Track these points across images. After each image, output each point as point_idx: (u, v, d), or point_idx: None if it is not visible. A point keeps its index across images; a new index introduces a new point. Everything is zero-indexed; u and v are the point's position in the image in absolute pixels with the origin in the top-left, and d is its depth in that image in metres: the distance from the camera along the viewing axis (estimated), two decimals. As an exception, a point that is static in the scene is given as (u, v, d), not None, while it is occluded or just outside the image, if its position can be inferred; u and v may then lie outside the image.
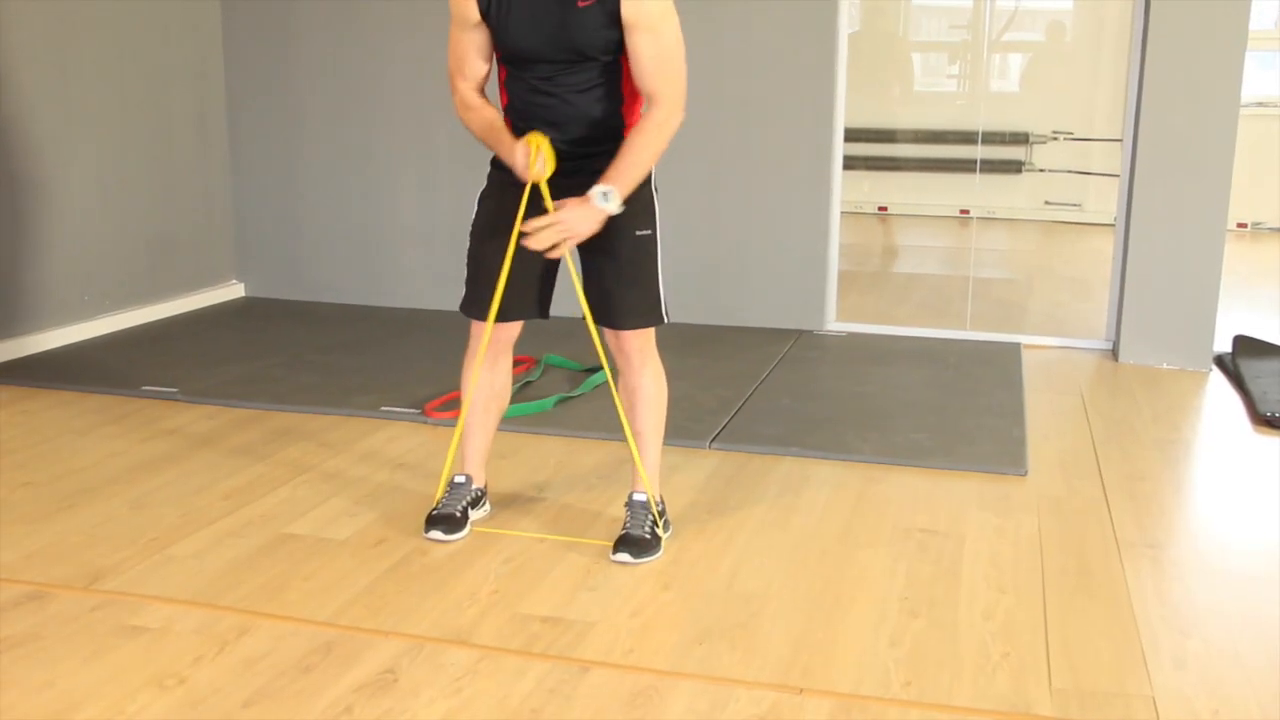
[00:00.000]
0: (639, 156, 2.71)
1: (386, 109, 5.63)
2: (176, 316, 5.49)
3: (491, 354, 2.96)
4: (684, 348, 4.90)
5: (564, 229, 2.66)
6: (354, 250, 5.81)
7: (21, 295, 4.74)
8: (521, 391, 4.20)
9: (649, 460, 2.95)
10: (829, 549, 2.94)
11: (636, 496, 2.95)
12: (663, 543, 2.91)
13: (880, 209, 8.82)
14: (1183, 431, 4.03)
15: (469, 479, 3.06)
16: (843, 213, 5.36)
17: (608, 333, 2.90)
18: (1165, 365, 4.79)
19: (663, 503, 3.02)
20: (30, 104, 4.73)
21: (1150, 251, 4.77)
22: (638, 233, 2.83)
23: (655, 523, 2.93)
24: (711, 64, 5.16)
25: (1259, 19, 8.15)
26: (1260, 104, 8.20)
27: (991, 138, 8.29)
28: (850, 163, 5.44)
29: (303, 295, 5.87)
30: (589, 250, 2.83)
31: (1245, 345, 4.90)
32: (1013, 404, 4.19)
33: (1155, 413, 4.18)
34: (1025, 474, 3.50)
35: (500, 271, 2.83)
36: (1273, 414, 4.05)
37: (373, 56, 5.60)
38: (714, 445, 3.71)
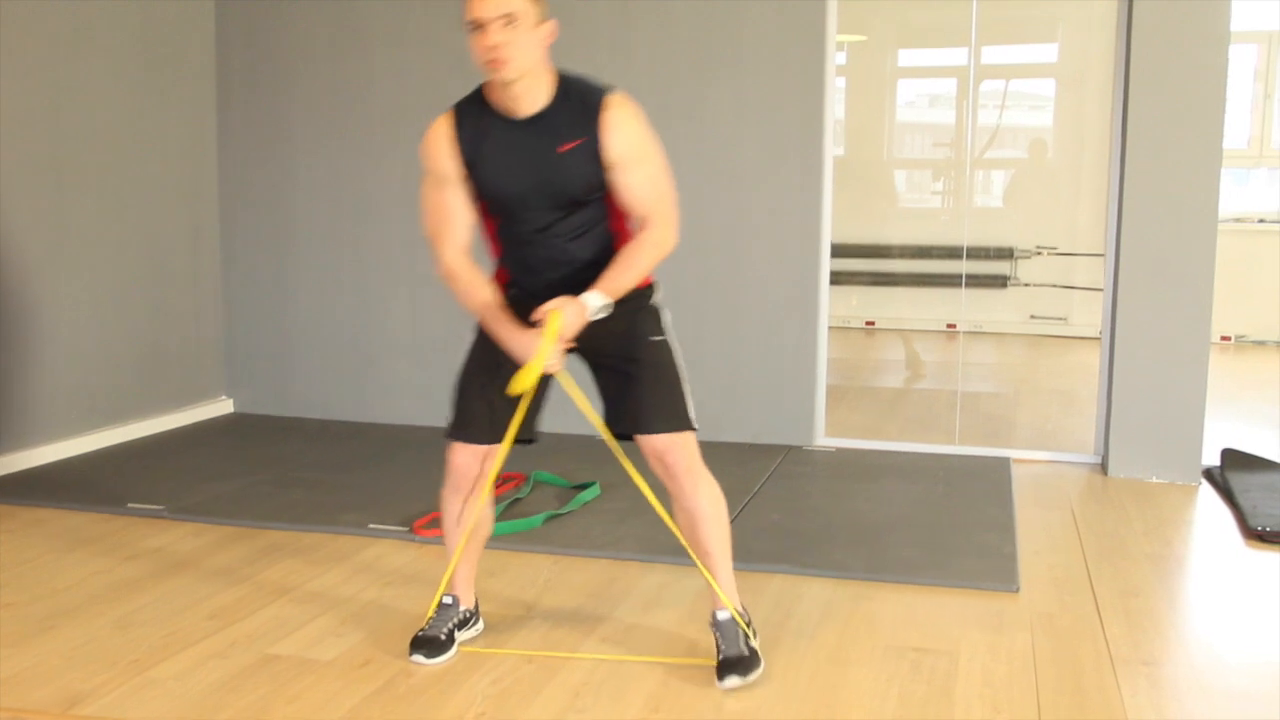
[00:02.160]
0: (632, 270, 2.72)
1: (378, 227, 5.70)
2: (165, 432, 5.48)
3: (474, 481, 2.91)
4: (673, 463, 4.89)
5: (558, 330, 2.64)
6: (344, 367, 5.82)
7: (9, 411, 4.73)
8: (510, 508, 4.18)
9: (723, 578, 2.87)
10: (820, 669, 2.90)
11: (720, 615, 2.85)
12: (759, 654, 2.84)
13: (868, 323, 8.89)
14: (1174, 546, 4.01)
15: (456, 600, 3.03)
16: (831, 327, 5.40)
17: (649, 455, 2.82)
18: (1155, 479, 4.79)
19: (746, 612, 2.94)
20: (24, 218, 4.78)
21: (1136, 365, 4.81)
22: (650, 339, 2.82)
23: (748, 636, 2.84)
24: (700, 182, 5.25)
25: (1234, 138, 8.35)
26: (1238, 219, 8.34)
27: (976, 253, 8.40)
28: (838, 278, 5.50)
29: (292, 412, 5.87)
30: (605, 369, 2.84)
31: (1233, 459, 4.91)
32: (1003, 519, 4.18)
33: (1146, 527, 4.17)
34: (1017, 590, 3.47)
35: (491, 397, 2.80)
36: (1264, 528, 4.04)
37: (365, 174, 5.68)
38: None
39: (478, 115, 2.74)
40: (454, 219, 2.78)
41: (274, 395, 5.92)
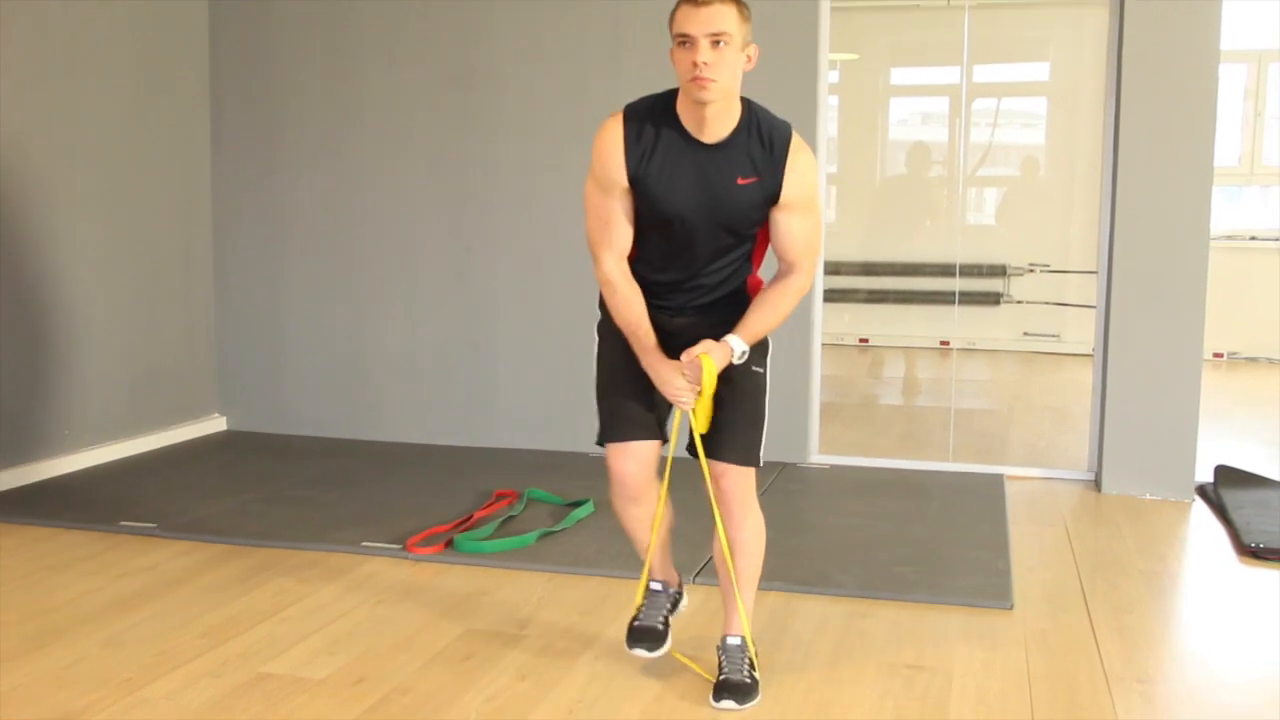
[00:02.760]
0: (771, 316, 2.71)
1: (371, 244, 5.70)
2: (158, 450, 5.46)
3: (645, 490, 2.84)
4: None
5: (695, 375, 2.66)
6: (337, 385, 5.82)
7: (2, 428, 4.72)
8: (504, 526, 4.18)
9: (745, 603, 2.87)
10: (814, 686, 2.90)
11: (731, 640, 2.85)
12: (759, 685, 2.83)
13: (861, 340, 8.89)
14: (1168, 563, 4.01)
15: (665, 585, 3.00)
16: (824, 344, 5.40)
17: (712, 477, 2.80)
18: (1148, 495, 4.80)
19: (755, 643, 2.93)
20: (16, 236, 4.78)
21: (1129, 382, 4.82)
22: (754, 368, 2.79)
23: (753, 666, 2.84)
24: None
25: (1225, 155, 8.39)
26: (1229, 236, 8.37)
27: (969, 270, 8.42)
28: (831, 295, 5.51)
29: (285, 429, 5.86)
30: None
31: (1227, 475, 4.92)
32: (997, 536, 4.18)
33: (1140, 544, 4.17)
34: (1011, 607, 3.47)
35: (640, 398, 2.77)
36: (1258, 545, 4.04)
37: (358, 193, 5.68)
38: (698, 580, 3.68)
39: (658, 126, 2.64)
40: (617, 225, 2.70)
41: (267, 413, 5.91)
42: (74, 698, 2.80)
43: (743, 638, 2.85)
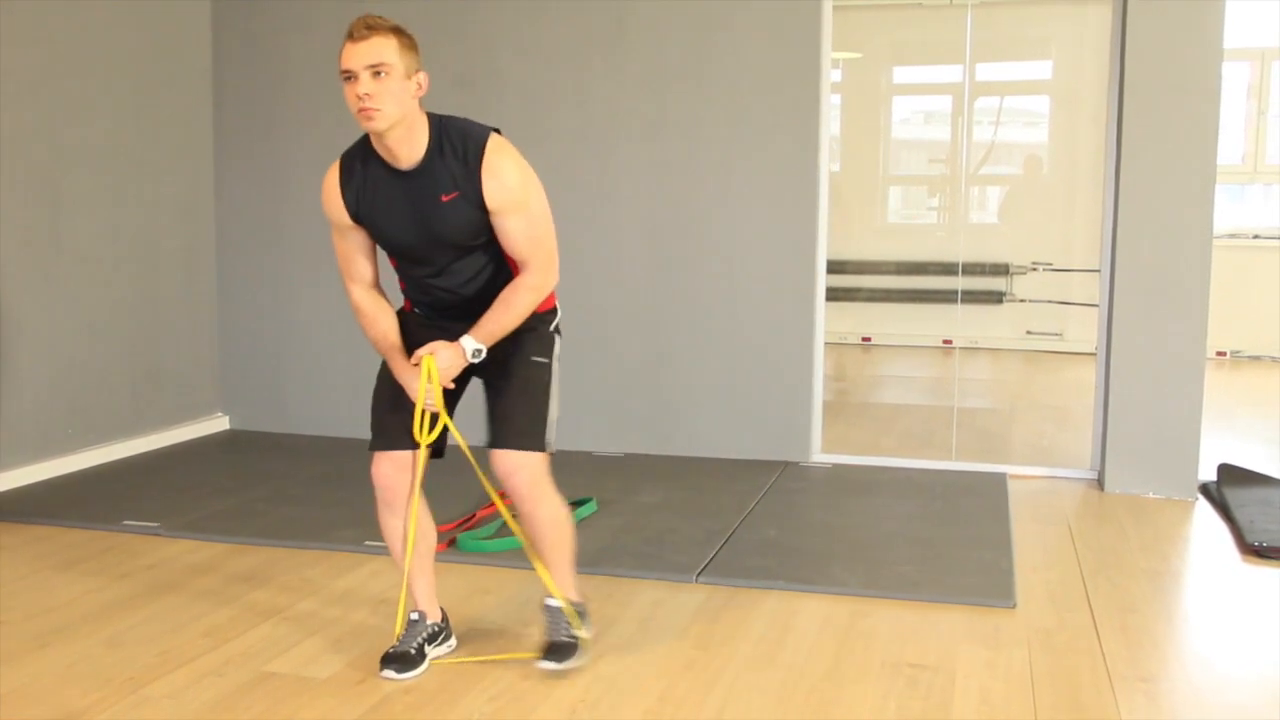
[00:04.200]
0: (506, 314, 2.82)
1: (374, 243, 5.69)
2: (160, 450, 5.47)
3: (402, 495, 2.94)
4: (669, 480, 4.89)
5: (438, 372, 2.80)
6: (339, 384, 5.81)
7: (4, 428, 4.72)
8: (504, 526, 4.17)
9: (558, 575, 3.01)
10: (817, 685, 2.90)
11: (550, 602, 2.99)
12: (581, 643, 2.97)
13: (864, 339, 8.89)
14: (1171, 562, 4.01)
15: (422, 615, 3.04)
16: (826, 343, 5.40)
17: (496, 471, 2.90)
18: (1151, 494, 4.79)
19: (583, 606, 3.07)
20: (19, 236, 4.78)
21: (1132, 380, 4.81)
22: (533, 358, 2.92)
23: (571, 625, 2.96)
24: (696, 199, 5.27)
25: (1228, 154, 8.38)
26: (1232, 235, 8.36)
27: (972, 269, 8.42)
28: (834, 294, 5.50)
29: (287, 428, 5.86)
30: (488, 382, 2.96)
31: (1230, 474, 4.91)
32: (1000, 535, 4.17)
33: (1143, 542, 4.17)
34: (1014, 606, 3.47)
35: (401, 411, 2.90)
36: (1261, 544, 4.04)
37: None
38: (700, 579, 3.68)
39: (364, 165, 2.81)
40: (355, 261, 2.92)
41: (270, 412, 5.91)
42: (77, 697, 2.80)
43: (560, 600, 2.97)
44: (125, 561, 3.84)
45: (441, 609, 3.10)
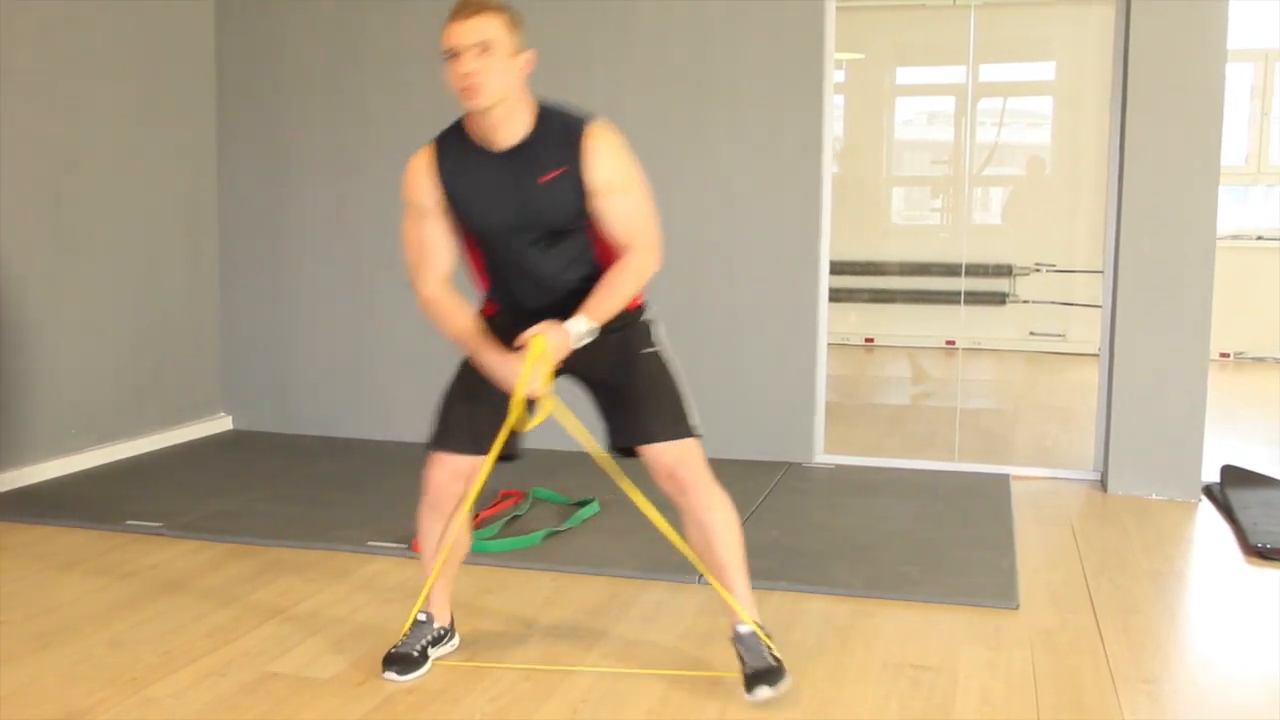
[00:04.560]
0: (612, 296, 2.72)
1: (377, 244, 5.70)
2: (163, 450, 5.47)
3: (453, 500, 2.89)
4: (672, 480, 4.89)
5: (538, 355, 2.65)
6: (342, 385, 5.82)
7: (8, 428, 4.73)
8: (509, 525, 4.18)
9: (739, 592, 2.86)
10: (819, 686, 2.90)
11: (741, 630, 2.83)
12: (784, 665, 2.79)
13: (867, 340, 8.89)
14: (1174, 563, 4.01)
15: (431, 617, 3.01)
16: (830, 344, 5.40)
17: (656, 468, 2.80)
18: (1154, 496, 4.79)
19: (765, 624, 2.91)
20: (23, 236, 4.79)
21: (1135, 382, 4.81)
22: (642, 351, 2.84)
23: (770, 648, 2.81)
24: (699, 200, 5.26)
25: (1231, 155, 8.37)
26: (1236, 236, 8.35)
27: (975, 270, 8.41)
28: (837, 295, 5.50)
29: (290, 428, 5.87)
30: (600, 387, 2.86)
31: (1233, 475, 4.91)
32: (1002, 536, 4.17)
33: (1146, 544, 4.16)
34: (1016, 607, 3.47)
35: (475, 414, 2.81)
36: (1264, 545, 4.03)
37: (364, 193, 5.68)
38: (702, 580, 3.66)
39: (458, 147, 2.76)
40: (434, 251, 2.81)
41: (273, 412, 5.91)
42: (79, 697, 2.80)
43: (751, 625, 2.84)
44: (127, 561, 3.84)
45: (451, 613, 3.09)
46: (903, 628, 3.30)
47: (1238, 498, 4.61)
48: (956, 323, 7.82)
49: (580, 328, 2.68)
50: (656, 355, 2.87)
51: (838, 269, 5.42)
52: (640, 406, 2.81)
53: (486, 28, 2.59)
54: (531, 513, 4.38)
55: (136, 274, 5.38)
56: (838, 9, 5.16)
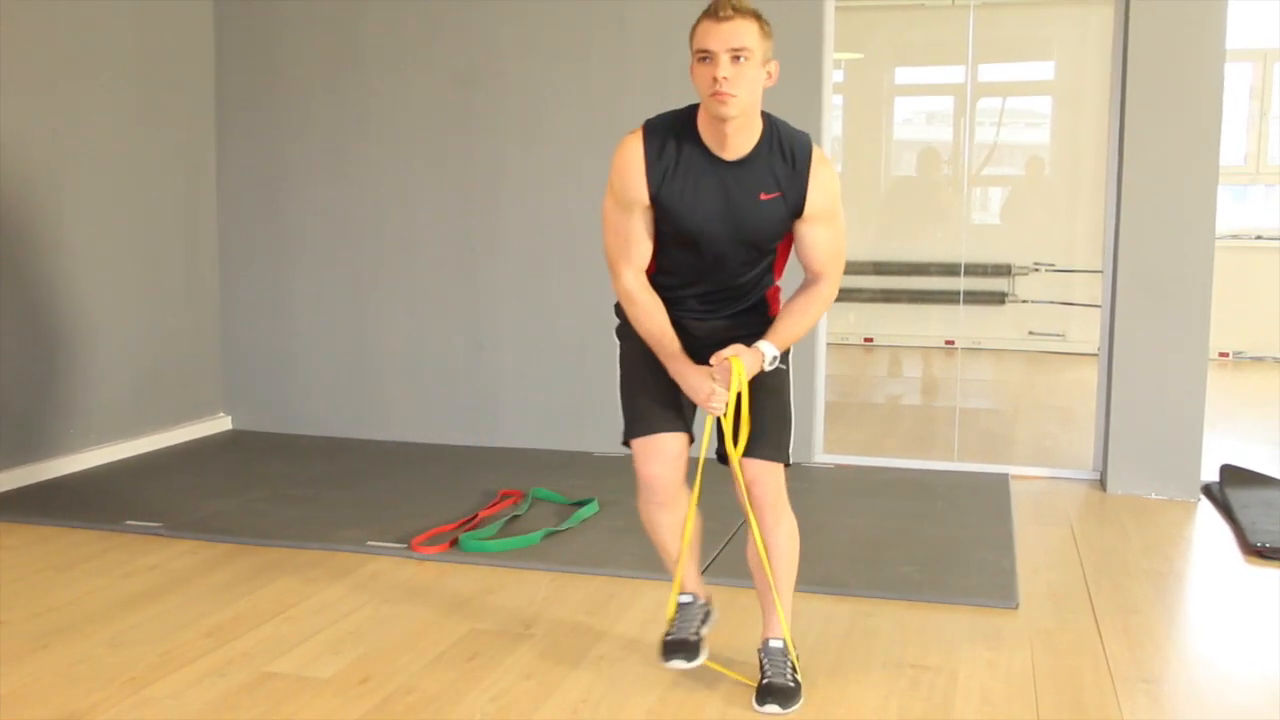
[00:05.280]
0: (800, 324, 2.72)
1: (375, 244, 5.70)
2: (163, 449, 5.47)
3: (673, 493, 2.83)
4: (672, 480, 4.89)
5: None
6: (342, 384, 5.82)
7: (7, 429, 4.72)
8: (508, 525, 4.18)
9: (786, 608, 2.87)
10: (819, 685, 2.89)
11: (773, 643, 2.84)
12: (801, 688, 2.81)
13: (866, 340, 8.89)
14: (1174, 563, 4.01)
15: (695, 596, 2.97)
16: (829, 344, 5.40)
17: (743, 479, 2.79)
18: (1154, 495, 4.79)
19: (796, 646, 2.93)
20: (22, 236, 4.78)
21: (1134, 381, 4.81)
22: (779, 365, 2.79)
23: (794, 669, 2.83)
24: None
25: (1230, 154, 8.37)
26: (1235, 236, 8.36)
27: (974, 269, 8.41)
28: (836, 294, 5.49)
29: (289, 428, 5.87)
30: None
31: (1232, 475, 4.91)
32: (1002, 536, 4.17)
33: (1145, 543, 4.16)
34: (1016, 607, 3.47)
35: (662, 396, 2.76)
36: (1264, 544, 4.03)
37: (363, 193, 5.69)
38: (702, 579, 3.66)
39: (678, 142, 2.63)
40: (637, 242, 2.69)
41: (272, 412, 5.91)
42: (79, 697, 2.80)
43: (784, 641, 2.84)
44: (127, 561, 3.84)
45: (708, 590, 3.04)
46: (902, 628, 3.30)
47: (1237, 497, 4.61)
48: (956, 322, 7.82)
49: (771, 352, 2.69)
50: (787, 375, 2.82)
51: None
52: (756, 423, 2.75)
53: (746, 34, 2.49)
54: (531, 512, 4.38)
55: (136, 274, 5.38)
56: (837, 9, 5.15)
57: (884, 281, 8.74)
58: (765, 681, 2.79)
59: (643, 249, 2.70)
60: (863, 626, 3.30)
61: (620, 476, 4.90)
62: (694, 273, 2.73)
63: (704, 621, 2.97)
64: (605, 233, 2.73)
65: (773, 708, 2.74)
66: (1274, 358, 8.54)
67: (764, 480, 2.78)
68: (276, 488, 4.78)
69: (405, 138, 5.59)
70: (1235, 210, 8.73)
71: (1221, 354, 8.52)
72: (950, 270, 7.92)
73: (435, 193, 5.59)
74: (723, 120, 2.54)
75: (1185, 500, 4.74)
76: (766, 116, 2.64)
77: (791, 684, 2.79)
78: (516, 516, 4.30)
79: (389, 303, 5.72)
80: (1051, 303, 8.42)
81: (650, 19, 5.27)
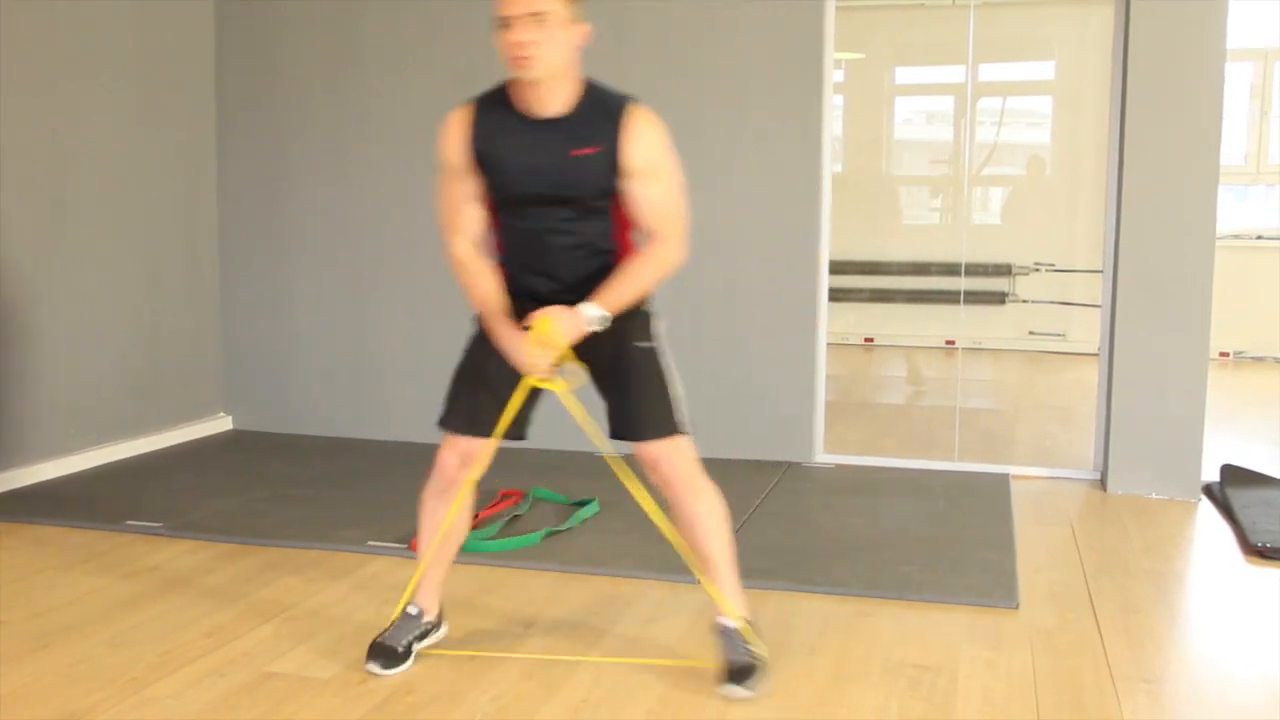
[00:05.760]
0: (631, 284, 2.73)
1: (376, 244, 5.70)
2: (163, 449, 5.47)
3: (453, 488, 2.91)
4: (672, 479, 4.89)
5: (542, 337, 2.68)
6: (342, 384, 5.82)
7: (7, 429, 4.72)
8: (509, 525, 4.18)
9: (726, 586, 2.89)
10: (819, 686, 2.89)
11: (724, 624, 2.87)
12: (762, 661, 2.83)
13: (867, 340, 8.89)
14: (1174, 562, 4.01)
15: (421, 612, 3.01)
16: (829, 344, 5.40)
17: (644, 463, 2.85)
18: (1154, 495, 4.79)
19: (752, 620, 2.94)
20: (22, 237, 4.78)
21: (1135, 381, 4.81)
22: (637, 344, 2.83)
23: (750, 644, 2.84)
24: (699, 199, 5.23)
25: (1231, 154, 8.37)
26: (1235, 236, 8.36)
27: (975, 269, 8.42)
28: (836, 295, 5.50)
29: (290, 428, 5.86)
30: (600, 376, 2.86)
31: (1233, 474, 4.91)
32: (1002, 535, 4.17)
33: (1146, 543, 4.16)
34: (1016, 607, 3.47)
35: (480, 393, 2.82)
36: (1264, 544, 4.03)
37: (363, 193, 5.69)
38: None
39: (497, 110, 2.73)
40: (465, 210, 2.80)
41: (272, 412, 5.91)
42: (79, 697, 2.80)
43: (735, 620, 2.86)
44: (128, 562, 3.84)
45: (440, 605, 3.08)
46: (903, 628, 3.30)
47: (1238, 497, 4.61)
48: (956, 322, 7.83)
49: (593, 313, 2.70)
50: (651, 351, 2.86)
51: (837, 268, 5.42)
52: (630, 402, 2.83)
53: None
54: (531, 512, 4.38)
55: (136, 274, 5.38)
56: (837, 8, 5.15)
57: (884, 281, 8.75)
58: (723, 663, 2.82)
59: (471, 215, 2.79)
60: (863, 626, 3.30)
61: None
62: (532, 242, 2.78)
63: (421, 637, 2.99)
64: (438, 204, 2.84)
65: (734, 689, 2.77)
66: (1275, 358, 8.55)
67: (665, 457, 2.82)
68: (277, 488, 4.78)
69: (405, 138, 5.58)
70: (1236, 210, 8.73)
71: (1222, 354, 8.52)
72: (951, 270, 7.93)
73: (434, 193, 5.57)
74: (530, 84, 2.63)
75: (1186, 500, 4.74)
76: (588, 82, 2.72)
77: (749, 660, 2.80)
78: (517, 516, 4.30)
79: (389, 303, 5.72)
80: (1052, 302, 8.43)
81: (650, 19, 5.27)
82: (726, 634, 2.86)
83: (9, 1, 4.64)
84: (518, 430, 2.89)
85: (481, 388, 2.84)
